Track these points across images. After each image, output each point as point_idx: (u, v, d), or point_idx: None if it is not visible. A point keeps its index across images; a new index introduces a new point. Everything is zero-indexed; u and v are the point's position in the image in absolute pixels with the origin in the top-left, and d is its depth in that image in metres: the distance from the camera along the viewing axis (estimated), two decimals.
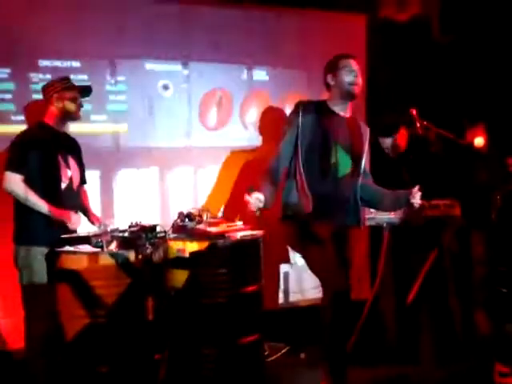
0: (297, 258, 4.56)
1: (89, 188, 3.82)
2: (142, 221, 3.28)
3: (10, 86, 4.06)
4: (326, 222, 3.37)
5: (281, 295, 4.92)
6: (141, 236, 3.10)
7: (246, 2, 4.77)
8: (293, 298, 4.96)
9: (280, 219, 3.47)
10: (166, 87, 4.58)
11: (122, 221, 3.41)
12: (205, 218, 3.43)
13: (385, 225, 4.20)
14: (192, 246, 3.18)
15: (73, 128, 3.83)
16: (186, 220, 3.37)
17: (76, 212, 3.54)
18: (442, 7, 5.40)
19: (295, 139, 3.38)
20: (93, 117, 4.31)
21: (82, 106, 3.57)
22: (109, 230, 3.19)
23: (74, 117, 3.58)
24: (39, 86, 3.72)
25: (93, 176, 4.20)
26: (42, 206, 3.33)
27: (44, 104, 3.54)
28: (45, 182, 3.40)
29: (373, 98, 5.21)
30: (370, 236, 5.16)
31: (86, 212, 3.72)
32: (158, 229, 3.24)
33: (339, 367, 3.51)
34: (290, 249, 4.14)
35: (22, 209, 3.37)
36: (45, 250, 3.28)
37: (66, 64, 4.22)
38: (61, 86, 3.52)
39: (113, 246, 3.10)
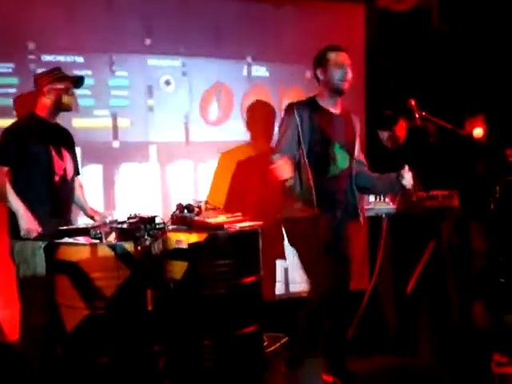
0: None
1: (90, 182, 3.83)
2: (141, 213, 3.28)
3: (14, 80, 4.09)
4: (327, 219, 3.38)
5: (281, 286, 4.94)
6: (140, 227, 3.10)
7: None
8: (293, 288, 4.97)
9: (281, 217, 3.49)
10: (167, 82, 4.59)
11: (123, 214, 3.41)
12: (203, 208, 3.44)
13: (384, 215, 4.20)
14: (191, 238, 3.18)
15: (75, 123, 3.85)
16: (185, 211, 3.37)
17: (69, 206, 3.53)
18: None
19: (297, 137, 3.37)
20: (95, 112, 4.35)
21: (73, 96, 3.50)
22: (107, 221, 3.19)
23: (66, 108, 3.51)
24: None
25: (95, 170, 4.22)
26: (17, 207, 3.28)
27: (35, 96, 3.49)
28: (37, 174, 3.37)
29: (371, 89, 5.20)
30: (369, 227, 5.16)
31: (83, 206, 3.71)
32: (157, 220, 3.23)
33: (338, 357, 3.54)
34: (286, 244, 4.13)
35: None
36: (40, 243, 3.28)
37: (69, 59, 4.25)
38: (52, 76, 3.46)
39: (112, 238, 3.10)
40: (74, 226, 3.36)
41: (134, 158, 4.49)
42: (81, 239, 3.11)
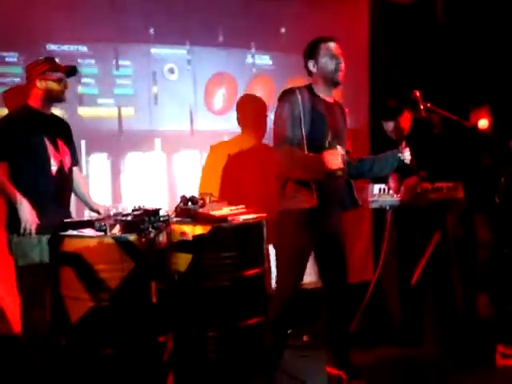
0: None
1: (94, 172, 3.82)
2: (147, 204, 3.28)
3: (18, 70, 4.07)
4: (324, 212, 3.37)
5: None
6: (144, 220, 3.10)
7: None
8: None
9: (281, 211, 3.47)
10: (171, 71, 4.58)
11: (128, 204, 3.40)
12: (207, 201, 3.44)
13: (388, 207, 4.19)
14: (195, 230, 3.18)
15: (80, 111, 3.83)
16: (189, 204, 3.37)
17: (67, 198, 3.51)
18: None
19: (299, 121, 3.30)
20: (100, 100, 4.36)
21: (65, 86, 3.43)
22: (111, 213, 3.19)
23: (59, 98, 3.44)
24: None
25: (99, 159, 4.22)
26: (16, 199, 3.24)
27: (27, 87, 3.42)
28: (33, 166, 3.33)
29: (376, 80, 5.18)
30: (374, 219, 5.16)
31: (84, 197, 3.69)
32: (162, 212, 3.23)
33: (342, 350, 3.54)
34: None
35: None
36: (37, 237, 3.28)
37: (73, 48, 4.25)
38: (45, 66, 3.37)
39: (116, 230, 3.10)
40: (75, 219, 3.34)
41: (138, 147, 4.51)
42: (85, 231, 3.11)
